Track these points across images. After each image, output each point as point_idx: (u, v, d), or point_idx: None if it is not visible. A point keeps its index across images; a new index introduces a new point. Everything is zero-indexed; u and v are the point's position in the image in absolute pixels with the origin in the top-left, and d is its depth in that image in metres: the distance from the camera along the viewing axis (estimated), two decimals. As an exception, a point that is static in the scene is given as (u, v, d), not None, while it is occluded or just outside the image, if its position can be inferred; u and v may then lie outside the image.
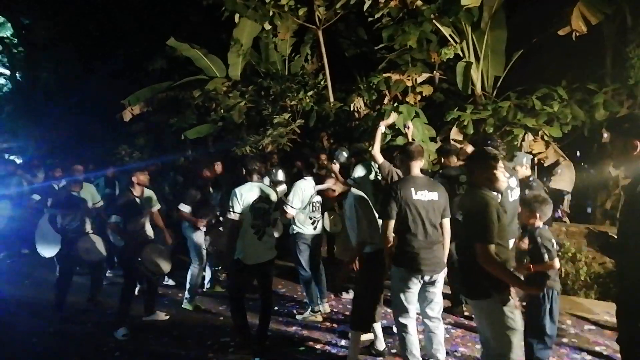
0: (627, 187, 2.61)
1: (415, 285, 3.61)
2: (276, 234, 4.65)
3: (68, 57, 13.97)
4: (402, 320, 3.67)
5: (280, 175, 6.09)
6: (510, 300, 2.79)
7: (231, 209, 4.08)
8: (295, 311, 5.40)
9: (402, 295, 3.63)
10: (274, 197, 4.36)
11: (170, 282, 6.50)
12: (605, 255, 5.57)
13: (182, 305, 5.63)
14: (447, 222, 3.74)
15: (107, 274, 6.81)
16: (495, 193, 2.98)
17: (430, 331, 3.74)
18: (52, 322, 5.32)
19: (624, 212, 2.68)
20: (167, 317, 5.35)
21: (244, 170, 4.30)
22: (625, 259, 2.53)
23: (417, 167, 3.74)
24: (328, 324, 5.09)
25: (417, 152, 3.76)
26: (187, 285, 5.62)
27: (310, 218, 5.12)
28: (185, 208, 5.56)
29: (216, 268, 6.41)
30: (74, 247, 5.34)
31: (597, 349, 4.28)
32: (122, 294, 5.00)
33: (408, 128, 5.42)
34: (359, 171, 5.25)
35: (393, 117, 5.77)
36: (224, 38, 9.84)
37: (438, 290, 3.71)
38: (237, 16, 8.45)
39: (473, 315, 3.34)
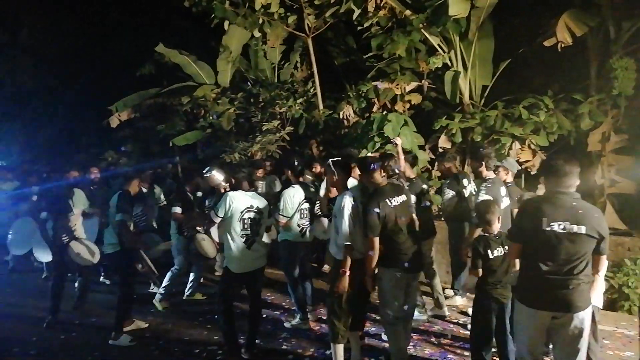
0: None
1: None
2: (269, 239, 4.63)
3: (54, 61, 13.77)
4: (398, 315, 3.83)
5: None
6: None
7: (216, 211, 4.19)
8: (284, 319, 5.36)
9: (398, 292, 3.81)
10: (264, 206, 4.35)
11: (155, 290, 6.40)
12: None
13: (153, 301, 5.80)
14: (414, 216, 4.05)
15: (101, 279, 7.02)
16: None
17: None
18: (34, 331, 5.19)
19: None
20: (147, 325, 5.27)
21: (234, 179, 4.34)
22: None
23: (378, 176, 3.87)
24: (317, 332, 5.06)
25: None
26: (163, 285, 5.85)
27: (299, 225, 5.08)
28: (177, 210, 5.76)
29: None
30: (66, 252, 5.32)
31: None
32: (119, 300, 4.93)
33: (396, 145, 5.39)
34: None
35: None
36: (213, 45, 9.81)
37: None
38: (226, 23, 8.42)
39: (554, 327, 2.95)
